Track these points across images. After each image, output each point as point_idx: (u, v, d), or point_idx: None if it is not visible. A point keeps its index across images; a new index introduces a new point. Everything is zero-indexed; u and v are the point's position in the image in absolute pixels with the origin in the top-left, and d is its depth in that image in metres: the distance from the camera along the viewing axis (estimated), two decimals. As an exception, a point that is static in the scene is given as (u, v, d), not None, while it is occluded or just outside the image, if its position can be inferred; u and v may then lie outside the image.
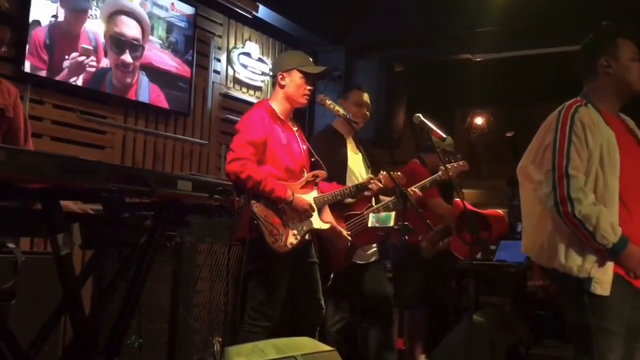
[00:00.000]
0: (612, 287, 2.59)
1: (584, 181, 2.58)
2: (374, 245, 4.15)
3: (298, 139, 3.67)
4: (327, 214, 3.77)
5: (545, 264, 2.74)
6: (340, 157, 4.11)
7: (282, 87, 3.62)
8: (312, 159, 3.71)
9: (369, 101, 4.30)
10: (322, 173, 3.65)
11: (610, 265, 2.60)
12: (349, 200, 4.03)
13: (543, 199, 2.65)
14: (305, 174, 3.63)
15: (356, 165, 4.15)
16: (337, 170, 3.97)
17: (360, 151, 4.25)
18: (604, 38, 2.83)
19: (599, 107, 2.73)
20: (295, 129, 3.70)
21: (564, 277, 2.66)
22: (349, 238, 3.84)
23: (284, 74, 3.61)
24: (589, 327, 2.63)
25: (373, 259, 4.14)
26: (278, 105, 3.62)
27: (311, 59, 3.72)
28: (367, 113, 4.29)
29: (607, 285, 2.59)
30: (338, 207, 3.95)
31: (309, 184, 3.61)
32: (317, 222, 3.58)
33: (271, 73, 3.82)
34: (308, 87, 3.62)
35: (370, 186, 3.78)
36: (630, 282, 2.63)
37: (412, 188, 4.10)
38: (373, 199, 4.05)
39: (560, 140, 2.62)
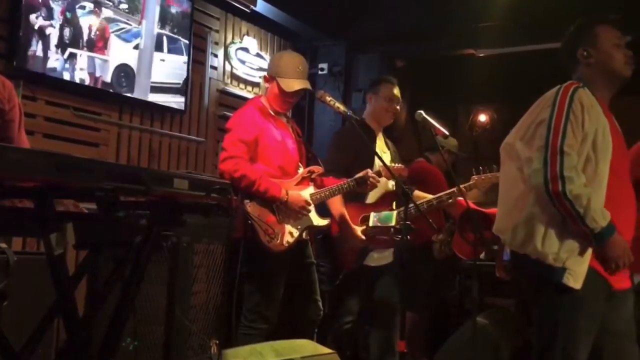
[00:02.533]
0: (586, 281, 2.53)
1: (577, 161, 2.52)
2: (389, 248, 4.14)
3: (292, 134, 3.67)
4: (339, 208, 3.76)
5: (517, 248, 2.66)
6: (367, 153, 4.09)
7: (267, 88, 3.66)
8: (308, 154, 3.71)
9: (399, 95, 4.25)
10: (318, 169, 3.65)
11: (586, 258, 2.53)
12: (370, 201, 4.03)
13: (531, 175, 2.56)
14: (301, 169, 3.63)
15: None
16: (363, 166, 3.95)
17: (389, 148, 4.23)
18: (581, 28, 2.83)
19: (597, 95, 2.72)
20: (289, 124, 3.70)
21: (536, 265, 2.58)
22: (363, 237, 3.82)
23: (268, 78, 3.62)
24: (557, 322, 2.57)
25: (386, 262, 4.13)
26: (269, 102, 3.61)
27: (301, 68, 3.63)
28: (398, 107, 4.26)
29: (580, 278, 2.52)
30: (357, 207, 3.94)
31: (305, 180, 3.61)
32: (315, 219, 3.58)
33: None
34: (287, 99, 3.60)
35: (369, 181, 3.76)
36: (607, 279, 2.57)
37: (419, 203, 4.08)
38: (394, 203, 4.02)
39: (557, 117, 2.58)
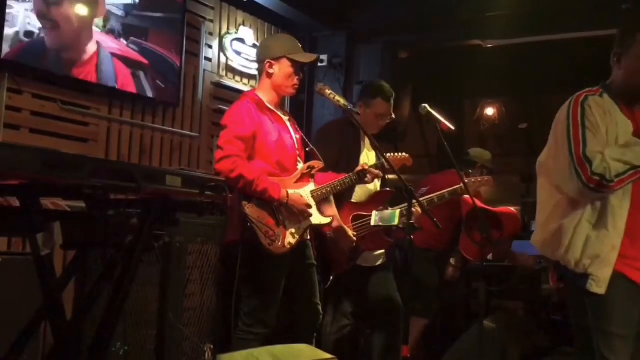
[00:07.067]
0: (614, 286, 2.63)
1: (601, 157, 2.59)
2: None
3: (290, 128, 3.66)
4: (332, 207, 3.76)
5: (550, 255, 2.82)
6: (353, 148, 4.09)
7: (270, 75, 3.59)
8: (307, 149, 3.70)
9: (392, 109, 4.24)
10: (318, 164, 3.64)
11: (610, 263, 2.64)
12: (359, 199, 4.03)
13: (577, 194, 2.66)
14: (300, 165, 3.62)
15: (370, 161, 4.11)
16: (348, 163, 3.94)
17: (375, 148, 4.22)
18: (624, 30, 2.79)
19: (617, 98, 2.74)
20: (286, 118, 3.69)
21: (566, 272, 2.74)
22: (354, 239, 3.83)
23: (273, 62, 3.58)
24: (590, 328, 2.69)
25: (379, 262, 4.13)
26: (265, 95, 3.59)
27: (299, 44, 3.70)
28: (388, 121, 4.25)
29: (603, 284, 2.63)
30: (345, 207, 3.94)
31: (305, 177, 3.60)
32: (316, 218, 3.57)
33: (257, 59, 3.77)
34: (297, 77, 3.61)
35: (366, 179, 3.76)
36: (637, 283, 2.66)
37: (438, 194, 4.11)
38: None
39: (574, 128, 2.66)
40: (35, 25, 4.23)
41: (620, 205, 2.65)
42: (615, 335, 2.63)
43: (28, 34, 4.20)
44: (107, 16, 4.80)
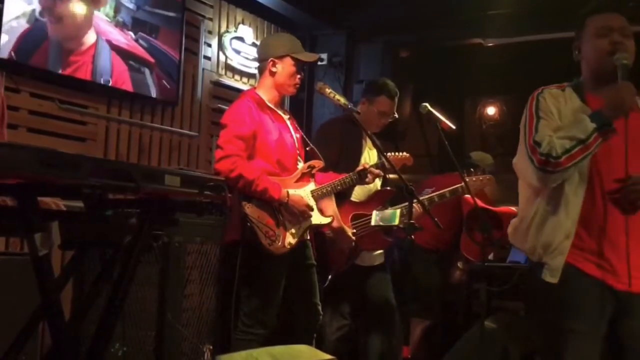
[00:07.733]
0: (568, 279, 2.57)
1: (549, 139, 2.58)
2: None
3: (290, 127, 3.66)
4: (331, 206, 3.75)
5: (518, 246, 2.84)
6: (354, 147, 4.09)
7: (273, 74, 3.60)
8: (307, 148, 3.70)
9: (395, 108, 4.25)
10: (318, 163, 3.64)
11: (562, 252, 2.60)
12: (359, 199, 4.03)
13: (535, 181, 2.64)
14: (301, 165, 3.62)
15: (371, 160, 4.11)
16: (349, 162, 3.95)
17: (376, 146, 4.23)
18: (578, 23, 2.78)
19: (583, 91, 2.73)
20: (286, 117, 3.69)
21: (527, 262, 2.77)
22: (354, 238, 3.83)
23: (276, 60, 3.59)
24: (543, 322, 2.67)
25: (378, 262, 4.14)
26: (266, 94, 3.60)
27: (300, 43, 3.72)
28: (390, 120, 4.26)
29: (556, 273, 2.59)
30: (345, 206, 3.94)
31: (305, 176, 3.60)
32: (316, 218, 3.57)
33: (260, 57, 3.78)
34: (299, 76, 3.62)
35: (367, 179, 3.76)
36: (599, 279, 2.58)
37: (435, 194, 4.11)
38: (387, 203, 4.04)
39: (529, 121, 2.68)
40: (32, 19, 4.22)
41: (574, 193, 2.61)
42: (575, 332, 2.55)
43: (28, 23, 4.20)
44: (118, 7, 4.80)
